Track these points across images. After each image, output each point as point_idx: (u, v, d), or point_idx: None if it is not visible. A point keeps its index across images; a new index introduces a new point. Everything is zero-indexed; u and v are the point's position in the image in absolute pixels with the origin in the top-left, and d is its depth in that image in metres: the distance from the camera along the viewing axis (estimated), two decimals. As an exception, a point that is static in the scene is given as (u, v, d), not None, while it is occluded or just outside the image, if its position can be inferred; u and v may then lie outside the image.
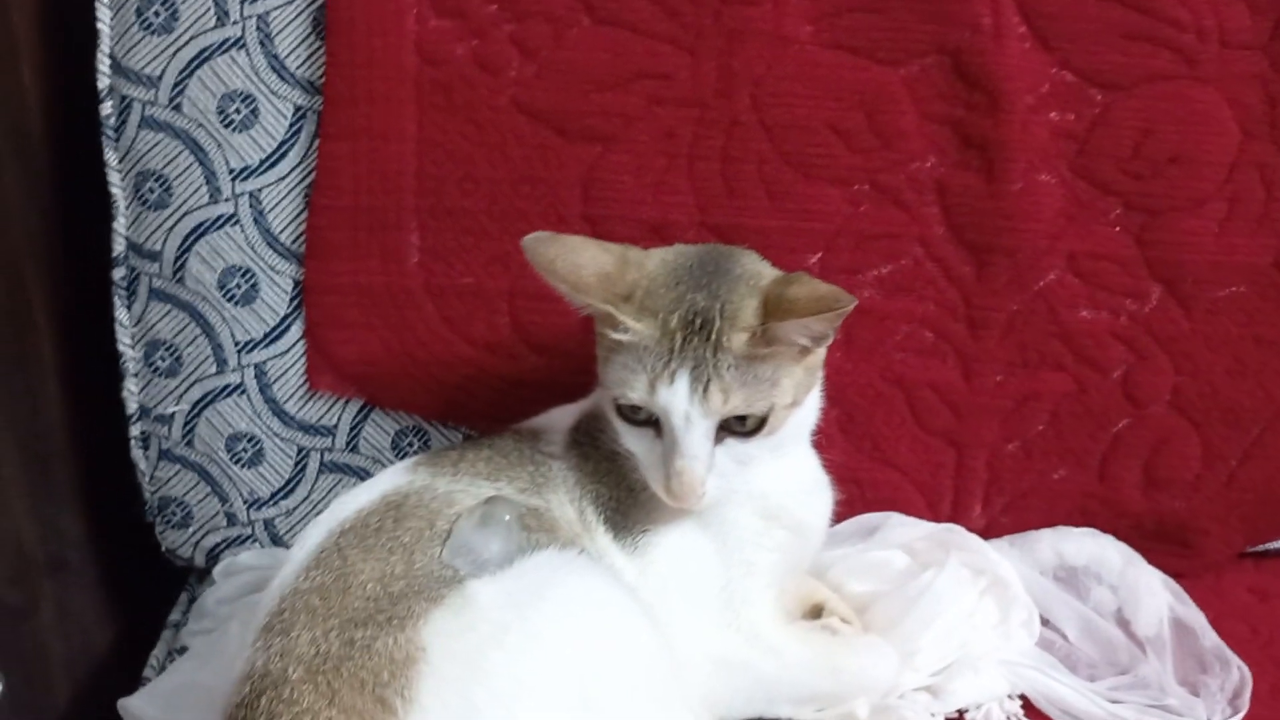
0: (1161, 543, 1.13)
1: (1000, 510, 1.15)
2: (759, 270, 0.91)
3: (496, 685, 0.74)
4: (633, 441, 0.89)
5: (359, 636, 0.77)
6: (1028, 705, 0.99)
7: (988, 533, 1.12)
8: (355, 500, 0.90)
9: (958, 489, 1.15)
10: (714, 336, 0.85)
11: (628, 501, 0.93)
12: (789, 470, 0.97)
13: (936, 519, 1.13)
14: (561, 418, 0.99)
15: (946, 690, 0.98)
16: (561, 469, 0.94)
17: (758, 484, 0.93)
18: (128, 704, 1.02)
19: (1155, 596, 1.06)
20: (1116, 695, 0.99)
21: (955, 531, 1.10)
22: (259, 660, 0.80)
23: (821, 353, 0.91)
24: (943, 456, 1.14)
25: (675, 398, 0.84)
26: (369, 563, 0.83)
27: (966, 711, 0.98)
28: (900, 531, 1.10)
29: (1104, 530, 1.13)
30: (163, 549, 1.21)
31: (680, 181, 1.11)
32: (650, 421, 0.87)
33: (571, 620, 0.79)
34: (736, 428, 0.87)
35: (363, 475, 1.16)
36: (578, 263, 0.87)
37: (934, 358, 1.13)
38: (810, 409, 0.96)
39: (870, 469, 1.14)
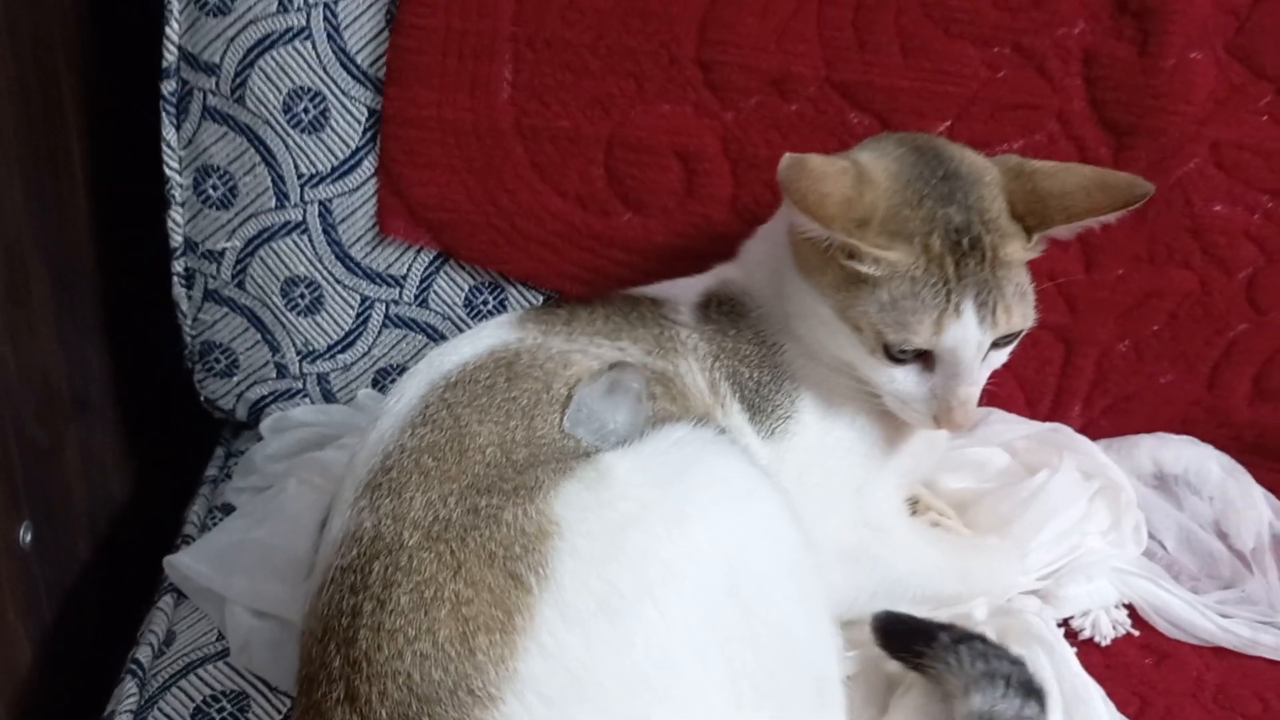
0: (1259, 456, 1.10)
1: (1100, 412, 1.11)
2: (970, 159, 0.86)
3: (640, 568, 0.69)
4: (891, 379, 0.84)
5: (483, 504, 0.72)
6: (1133, 615, 0.97)
7: (1084, 434, 1.07)
8: (457, 353, 0.85)
9: (1060, 387, 1.11)
10: (988, 254, 0.81)
11: (770, 387, 0.89)
12: None
13: (1034, 417, 1.10)
14: (683, 291, 0.94)
15: (1057, 596, 0.96)
16: (693, 338, 0.90)
17: None
18: (176, 561, 0.97)
19: (1256, 510, 1.03)
20: (1225, 610, 0.97)
21: (1061, 431, 1.06)
22: (366, 521, 0.74)
23: None
24: (1051, 352, 1.10)
25: (967, 331, 0.81)
26: (485, 425, 0.78)
27: (1072, 619, 0.95)
28: (1001, 429, 1.07)
29: (1202, 440, 1.09)
30: (201, 398, 1.16)
31: (808, 29, 1.03)
32: (918, 355, 0.83)
33: (719, 506, 0.74)
34: (1001, 341, 0.84)
35: (430, 332, 1.12)
36: (823, 191, 0.80)
37: (1056, 245, 1.04)
38: None
39: (973, 362, 1.08)
